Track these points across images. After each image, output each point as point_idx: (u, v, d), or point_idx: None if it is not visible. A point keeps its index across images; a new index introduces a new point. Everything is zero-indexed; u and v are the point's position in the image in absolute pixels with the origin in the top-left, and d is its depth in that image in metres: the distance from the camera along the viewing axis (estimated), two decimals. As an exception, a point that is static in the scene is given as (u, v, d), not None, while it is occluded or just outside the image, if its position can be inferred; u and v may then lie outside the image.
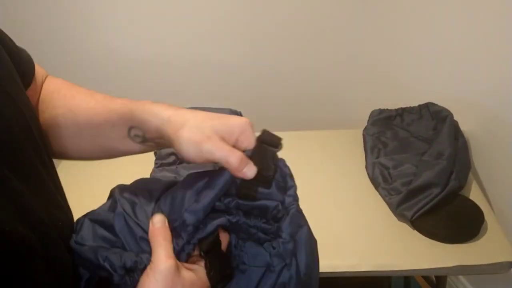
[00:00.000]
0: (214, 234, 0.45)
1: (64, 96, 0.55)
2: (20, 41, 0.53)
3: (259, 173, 0.45)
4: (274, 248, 0.46)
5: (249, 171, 0.44)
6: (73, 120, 0.53)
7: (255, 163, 0.45)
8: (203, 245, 0.44)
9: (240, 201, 0.46)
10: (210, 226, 0.45)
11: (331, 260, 0.97)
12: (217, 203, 0.47)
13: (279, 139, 0.48)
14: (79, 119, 0.53)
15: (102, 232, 0.46)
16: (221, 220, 0.45)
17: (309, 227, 0.47)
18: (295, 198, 0.47)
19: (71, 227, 0.49)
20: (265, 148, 0.47)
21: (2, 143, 0.39)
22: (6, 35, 0.49)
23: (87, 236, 0.45)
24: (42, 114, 0.54)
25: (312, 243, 0.47)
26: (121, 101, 0.52)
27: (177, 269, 0.42)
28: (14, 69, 0.46)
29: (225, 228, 0.47)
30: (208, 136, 0.43)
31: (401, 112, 1.33)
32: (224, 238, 0.47)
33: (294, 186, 0.48)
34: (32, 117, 0.46)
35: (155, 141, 0.50)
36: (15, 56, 0.49)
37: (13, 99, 0.42)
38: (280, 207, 0.46)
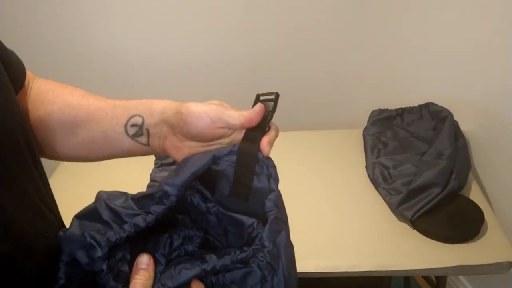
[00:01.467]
0: (186, 287, 0.45)
1: (60, 94, 0.54)
2: (13, 42, 0.52)
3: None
4: (261, 260, 0.45)
5: (255, 115, 0.47)
6: (71, 115, 0.52)
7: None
8: None
9: (221, 209, 0.48)
10: (184, 276, 0.44)
11: (331, 260, 0.97)
12: (200, 203, 0.48)
13: (275, 93, 0.50)
14: (78, 114, 0.52)
15: (90, 224, 0.46)
16: (195, 271, 0.45)
17: (287, 232, 0.48)
18: (275, 204, 0.47)
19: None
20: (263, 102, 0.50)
21: None
22: None
23: (76, 231, 0.45)
24: (36, 112, 0.53)
25: (290, 247, 0.47)
26: (125, 99, 0.53)
27: None
28: (5, 73, 0.44)
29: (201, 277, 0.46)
30: (215, 103, 0.48)
31: (401, 112, 1.33)
32: None
33: (275, 191, 0.47)
34: (21, 126, 0.44)
35: (151, 132, 0.51)
36: (5, 59, 0.47)
37: (0, 109, 0.41)
38: (255, 225, 0.47)
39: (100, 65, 1.52)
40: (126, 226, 0.45)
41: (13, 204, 0.40)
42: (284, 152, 1.43)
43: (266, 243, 0.45)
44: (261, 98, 0.50)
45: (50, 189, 0.49)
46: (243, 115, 0.47)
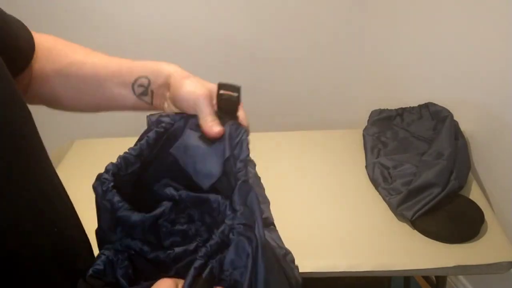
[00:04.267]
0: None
1: (64, 52, 0.57)
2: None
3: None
4: (238, 227, 0.46)
5: (216, 128, 0.50)
6: (77, 74, 0.55)
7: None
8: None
9: (189, 193, 0.50)
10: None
11: (331, 260, 0.97)
12: (173, 192, 0.50)
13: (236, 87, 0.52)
14: (85, 72, 0.55)
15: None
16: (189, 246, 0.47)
17: (254, 190, 0.48)
18: (245, 164, 0.48)
19: (81, 234, 0.49)
20: (225, 97, 0.52)
21: None
22: None
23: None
24: (42, 70, 0.55)
25: (259, 204, 0.48)
26: (130, 59, 0.56)
27: None
28: (5, 66, 0.43)
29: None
30: (208, 88, 0.51)
31: (401, 112, 1.33)
32: None
33: (247, 154, 0.49)
34: (25, 118, 0.44)
35: (155, 93, 0.54)
36: (9, 35, 0.48)
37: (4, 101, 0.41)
38: (220, 199, 0.48)
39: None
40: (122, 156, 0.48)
41: (26, 197, 0.40)
42: (284, 152, 1.43)
43: (238, 207, 0.46)
44: (221, 92, 0.51)
45: (60, 181, 0.49)
46: (209, 125, 0.50)
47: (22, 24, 0.54)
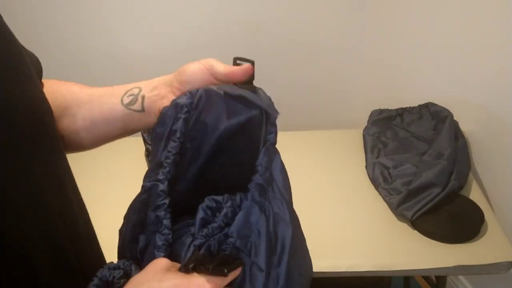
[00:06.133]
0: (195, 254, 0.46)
1: (63, 84, 0.57)
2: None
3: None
4: (254, 185, 0.47)
5: (240, 70, 0.51)
6: (72, 98, 0.55)
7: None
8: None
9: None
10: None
11: (331, 260, 0.97)
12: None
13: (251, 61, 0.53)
14: (80, 96, 0.55)
15: None
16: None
17: (279, 156, 0.50)
18: (276, 127, 0.50)
19: (84, 226, 0.50)
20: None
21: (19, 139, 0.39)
22: (17, 39, 0.49)
23: None
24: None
25: (284, 170, 0.50)
26: None
27: (170, 267, 0.43)
28: (31, 67, 0.46)
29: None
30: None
31: (401, 112, 1.33)
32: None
33: (276, 115, 0.50)
34: (49, 112, 0.47)
35: (147, 97, 0.53)
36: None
37: (29, 94, 0.43)
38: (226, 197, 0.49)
39: (94, 63, 1.51)
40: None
41: (47, 190, 0.41)
42: (284, 152, 1.42)
43: (259, 168, 0.47)
44: (238, 62, 0.52)
45: (72, 174, 0.50)
46: (229, 67, 0.51)
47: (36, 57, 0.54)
